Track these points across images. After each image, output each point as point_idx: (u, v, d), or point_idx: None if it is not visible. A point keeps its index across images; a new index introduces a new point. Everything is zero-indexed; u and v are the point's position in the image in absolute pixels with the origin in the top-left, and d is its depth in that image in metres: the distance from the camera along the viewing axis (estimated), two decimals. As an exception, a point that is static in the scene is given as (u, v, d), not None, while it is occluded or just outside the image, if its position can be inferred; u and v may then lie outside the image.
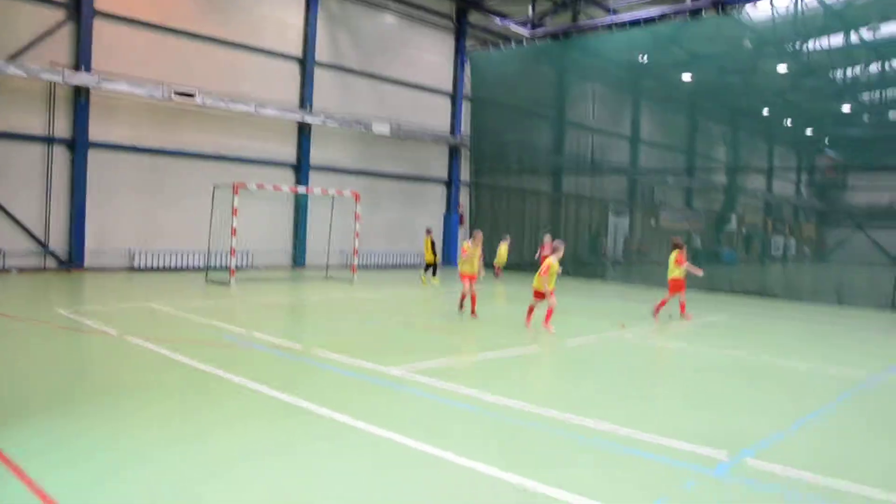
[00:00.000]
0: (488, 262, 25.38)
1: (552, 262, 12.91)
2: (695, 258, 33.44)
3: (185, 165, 22.47)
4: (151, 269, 21.55)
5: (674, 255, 15.73)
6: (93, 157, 20.40)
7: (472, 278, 14.40)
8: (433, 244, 22.20)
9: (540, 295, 13.02)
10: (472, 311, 14.45)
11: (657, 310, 15.54)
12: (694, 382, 9.87)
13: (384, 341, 11.68)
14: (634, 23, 26.01)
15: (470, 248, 14.74)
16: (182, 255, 22.36)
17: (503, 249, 25.48)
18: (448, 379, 8.85)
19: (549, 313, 12.88)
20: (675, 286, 15.72)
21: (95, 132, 20.44)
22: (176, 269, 22.05)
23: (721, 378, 10.09)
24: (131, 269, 21.25)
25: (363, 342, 11.32)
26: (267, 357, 10.05)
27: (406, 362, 9.67)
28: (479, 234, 15.31)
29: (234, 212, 18.44)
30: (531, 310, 13.34)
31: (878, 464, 6.47)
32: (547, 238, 24.08)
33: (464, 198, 31.83)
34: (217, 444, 6.12)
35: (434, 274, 22.26)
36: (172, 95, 21.19)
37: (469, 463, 5.86)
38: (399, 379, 8.81)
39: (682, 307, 15.94)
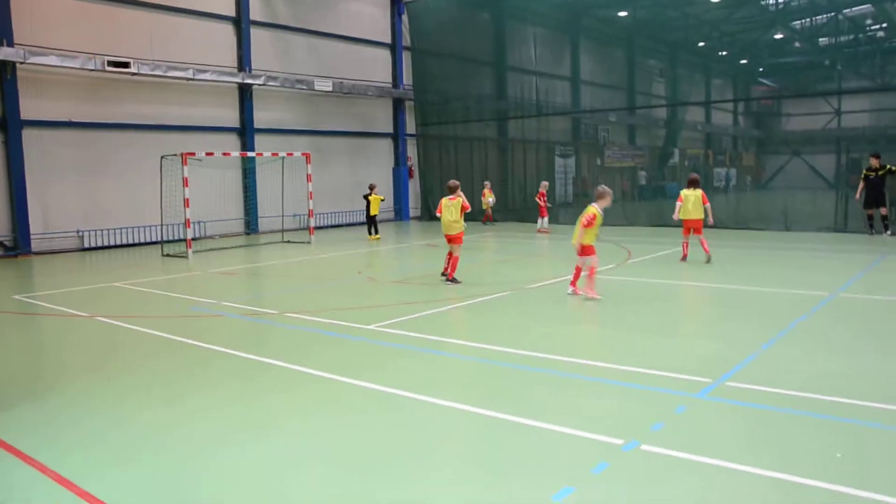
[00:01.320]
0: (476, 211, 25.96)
1: (597, 210, 11.05)
2: (641, 193, 33.94)
3: (126, 138, 21.81)
4: (104, 248, 21.04)
5: (699, 193, 14.57)
6: (28, 136, 19.62)
7: (451, 239, 12.80)
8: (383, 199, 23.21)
9: (586, 250, 11.04)
10: (445, 270, 12.99)
11: (684, 251, 15.11)
12: (663, 314, 10.21)
13: (354, 299, 11.74)
14: (570, -38, 25.89)
15: (446, 203, 12.74)
16: (133, 231, 21.86)
17: (488, 194, 26.72)
18: (421, 330, 9.00)
19: (592, 273, 11.03)
20: (697, 226, 14.72)
21: (27, 110, 19.62)
22: (129, 246, 21.58)
23: (688, 307, 10.48)
24: (83, 250, 20.71)
25: (333, 302, 11.37)
26: (243, 324, 10.04)
27: (380, 318, 9.79)
28: (452, 183, 13.01)
29: (185, 182, 18.07)
30: (579, 271, 11.28)
31: (843, 374, 6.85)
32: (544, 185, 24.05)
33: (411, 150, 31.68)
34: (225, 416, 6.17)
35: (377, 231, 22.72)
36: (106, 66, 20.44)
37: (459, 405, 6.04)
38: (375, 333, 8.93)
39: (704, 244, 14.75)
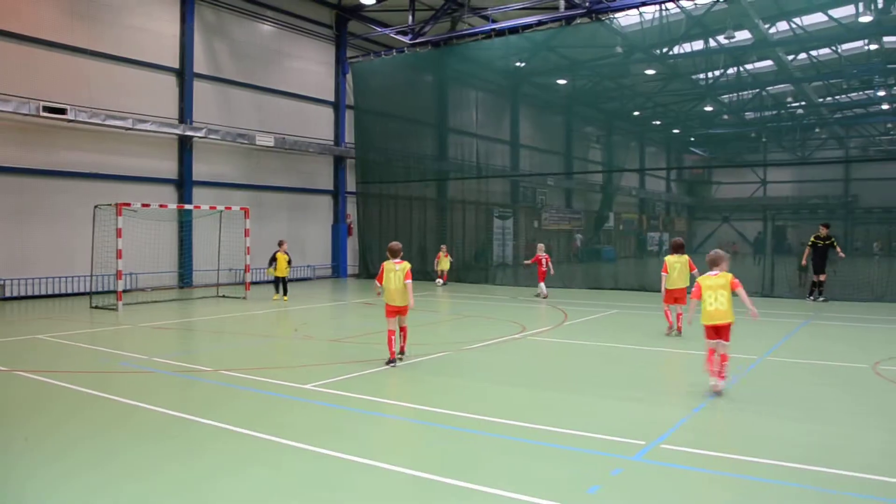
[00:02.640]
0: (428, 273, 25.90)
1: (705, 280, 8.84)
2: (578, 256, 34.58)
3: (58, 186, 21.25)
4: (27, 298, 20.24)
5: (685, 259, 13.38)
6: (-48, 180, 18.99)
7: (397, 311, 10.51)
8: (289, 258, 20.79)
9: (719, 331, 8.62)
10: (401, 349, 10.86)
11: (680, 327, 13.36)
12: (597, 375, 10.32)
13: (290, 357, 11.53)
14: (512, 30, 26.76)
15: (389, 267, 10.49)
16: (61, 282, 21.13)
17: (444, 257, 26.74)
18: (358, 390, 8.88)
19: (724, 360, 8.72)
20: (681, 295, 13.19)
21: (-46, 153, 19.05)
22: (54, 296, 20.82)
23: (622, 369, 10.61)
24: (3, 299, 19.86)
25: (269, 359, 11.14)
26: (173, 381, 9.72)
27: (316, 376, 9.63)
28: (395, 246, 10.80)
29: (118, 233, 17.63)
30: (712, 354, 8.74)
31: (774, 437, 7.01)
32: (541, 247, 21.69)
33: (351, 208, 31.70)
34: (153, 479, 5.91)
35: (286, 291, 20.60)
36: (41, 112, 20.01)
37: (396, 468, 5.94)
38: (311, 392, 8.76)
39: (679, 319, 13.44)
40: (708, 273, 8.88)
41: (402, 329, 10.78)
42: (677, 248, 13.55)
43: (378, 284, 10.57)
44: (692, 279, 11.58)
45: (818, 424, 7.52)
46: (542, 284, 21.16)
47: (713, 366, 8.65)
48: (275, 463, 6.26)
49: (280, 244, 20.87)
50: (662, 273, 13.33)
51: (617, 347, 12.69)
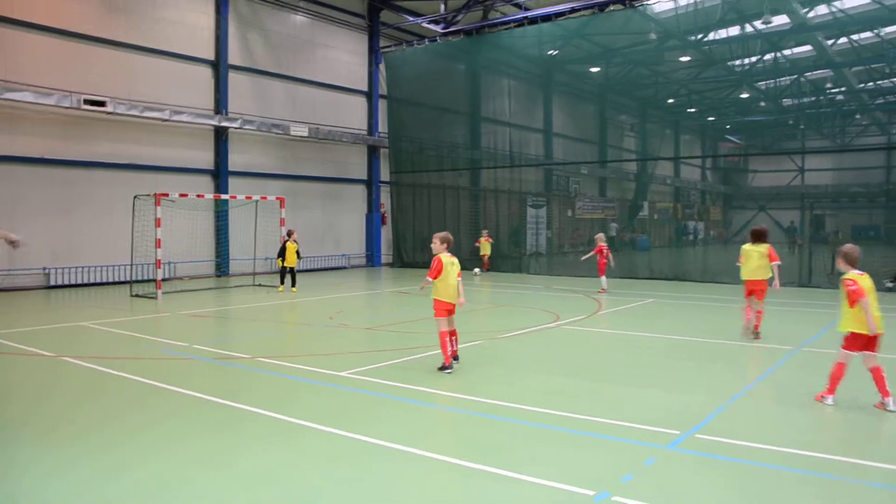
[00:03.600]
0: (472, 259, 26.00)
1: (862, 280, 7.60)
2: (612, 246, 34.64)
3: (99, 177, 21.72)
4: (70, 286, 20.75)
5: (764, 249, 11.65)
6: (-1, 172, 19.50)
7: (452, 310, 9.44)
8: (298, 248, 20.06)
9: (868, 341, 7.54)
10: (454, 353, 9.55)
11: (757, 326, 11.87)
12: (633, 366, 10.32)
13: (326, 344, 11.70)
14: (545, 18, 26.61)
15: (448, 262, 9.27)
16: (102, 271, 21.62)
17: (485, 242, 26.77)
18: (393, 378, 8.99)
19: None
20: (759, 290, 11.73)
21: (0, 145, 19.52)
22: (96, 285, 21.31)
23: (658, 359, 10.59)
24: (48, 287, 20.40)
25: (305, 347, 11.32)
26: (214, 368, 9.94)
27: (351, 364, 9.77)
28: (450, 237, 9.56)
29: (157, 223, 17.99)
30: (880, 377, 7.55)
31: (810, 429, 6.99)
32: (601, 237, 19.93)
33: (385, 197, 31.88)
34: (193, 464, 6.09)
35: (294, 282, 19.99)
36: (82, 104, 20.43)
37: (434, 455, 6.04)
38: (346, 380, 8.90)
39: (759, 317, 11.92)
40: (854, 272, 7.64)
41: (454, 331, 9.56)
42: (757, 237, 11.89)
43: (430, 280, 9.23)
44: (773, 271, 11.51)
45: (859, 414, 7.46)
46: (603, 278, 19.48)
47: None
48: (305, 446, 6.40)
49: (289, 234, 20.17)
50: (738, 263, 11.97)
51: (652, 337, 12.66)
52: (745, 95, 42.15)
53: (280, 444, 6.52)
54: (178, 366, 10.05)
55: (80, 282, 21.08)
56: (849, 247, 7.86)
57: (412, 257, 30.86)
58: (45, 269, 20.47)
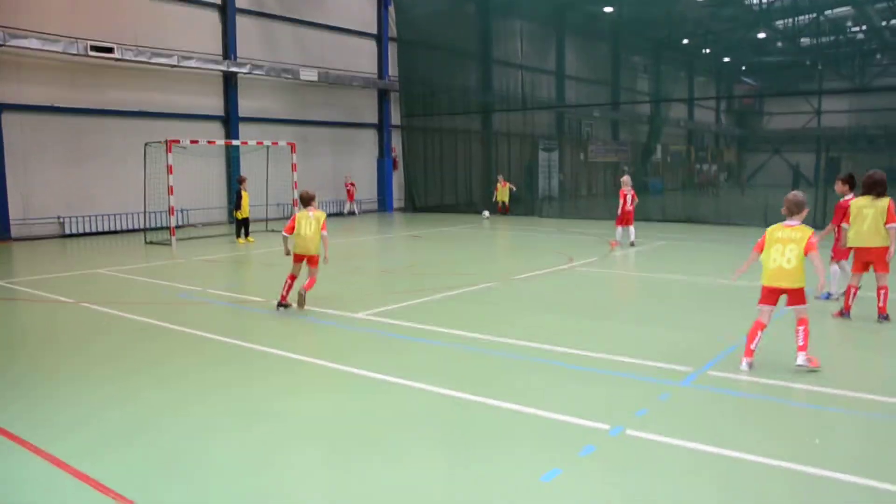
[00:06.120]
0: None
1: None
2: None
3: (110, 125, 21.64)
4: (85, 235, 20.89)
5: (883, 205, 8.61)
6: (8, 120, 19.42)
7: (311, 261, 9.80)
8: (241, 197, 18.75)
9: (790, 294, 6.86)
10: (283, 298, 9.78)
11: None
12: (647, 306, 10.37)
13: (340, 287, 11.77)
14: (558, -43, 25.95)
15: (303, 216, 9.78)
16: (116, 218, 21.72)
17: (502, 188, 26.61)
18: (408, 318, 9.08)
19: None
20: (876, 259, 8.70)
21: (7, 93, 19.42)
22: (111, 233, 21.44)
23: (672, 299, 10.62)
24: (63, 236, 20.54)
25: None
26: (229, 311, 10.06)
27: (366, 306, 9.85)
28: (309, 195, 9.98)
29: (169, 170, 17.98)
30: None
31: (823, 364, 7.02)
32: (626, 179, 17.45)
33: (396, 141, 31.68)
34: (214, 400, 6.21)
35: (247, 233, 19.00)
36: (89, 51, 20.24)
37: (447, 391, 6.13)
38: (362, 321, 9.00)
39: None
40: (781, 223, 7.05)
41: (311, 279, 9.80)
42: (872, 187, 8.75)
43: (285, 235, 10.00)
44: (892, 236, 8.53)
45: (875, 354, 7.49)
46: (628, 229, 16.71)
47: (754, 341, 6.83)
48: (318, 384, 6.52)
49: (240, 181, 19.13)
50: (843, 225, 9.18)
51: (665, 278, 12.67)
52: (761, 35, 41.22)
53: (290, 379, 6.63)
54: (194, 309, 10.17)
55: (94, 230, 21.20)
56: (790, 195, 7.10)
57: (424, 202, 30.81)
58: (59, 217, 20.58)
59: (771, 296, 6.96)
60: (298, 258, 9.79)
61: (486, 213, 25.61)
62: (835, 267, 9.97)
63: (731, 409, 5.83)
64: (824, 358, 6.86)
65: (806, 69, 48.34)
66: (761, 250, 7.06)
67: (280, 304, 9.73)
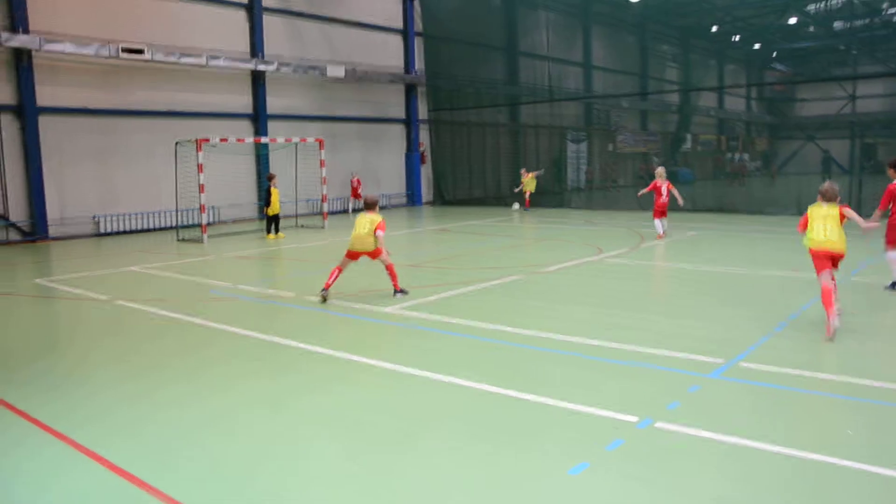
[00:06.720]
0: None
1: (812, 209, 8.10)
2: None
3: (140, 124, 21.96)
4: (118, 234, 21.24)
5: None
6: (44, 123, 19.80)
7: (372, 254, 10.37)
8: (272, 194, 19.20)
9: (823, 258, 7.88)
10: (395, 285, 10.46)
11: None
12: (676, 297, 10.29)
13: (369, 282, 11.84)
14: (583, -53, 25.78)
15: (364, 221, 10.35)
16: (148, 217, 22.05)
17: (528, 179, 26.12)
18: (437, 312, 9.11)
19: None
20: None
21: (43, 97, 19.79)
22: (143, 231, 21.77)
23: (703, 290, 10.53)
24: (98, 235, 20.92)
25: (349, 285, 11.47)
26: (260, 307, 10.18)
27: (395, 300, 9.92)
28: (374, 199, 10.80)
29: (199, 168, 18.21)
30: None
31: (854, 356, 6.93)
32: (661, 171, 17.19)
33: (423, 136, 31.72)
34: (241, 392, 6.31)
35: (277, 229, 19.40)
36: (120, 53, 20.54)
37: (477, 385, 6.15)
38: (392, 315, 9.06)
39: None
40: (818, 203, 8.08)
41: (387, 266, 10.39)
42: None
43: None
44: None
45: (905, 342, 7.38)
46: (661, 221, 16.61)
47: (832, 304, 7.50)
48: (346, 377, 6.58)
49: (269, 178, 19.77)
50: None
51: (695, 269, 12.56)
52: (792, 21, 40.50)
53: (318, 373, 6.71)
54: (225, 306, 10.31)
55: (128, 228, 21.55)
56: (826, 185, 8.19)
57: (453, 195, 30.85)
58: (94, 216, 20.96)
59: (824, 261, 7.86)
60: (352, 255, 10.47)
61: (517, 205, 25.41)
62: (892, 254, 10.09)
63: (761, 402, 5.78)
64: (869, 349, 6.76)
65: (839, 54, 47.42)
66: (804, 229, 8.12)
67: (324, 290, 10.20)
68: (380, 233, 10.20)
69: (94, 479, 4.64)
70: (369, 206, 10.68)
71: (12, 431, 5.46)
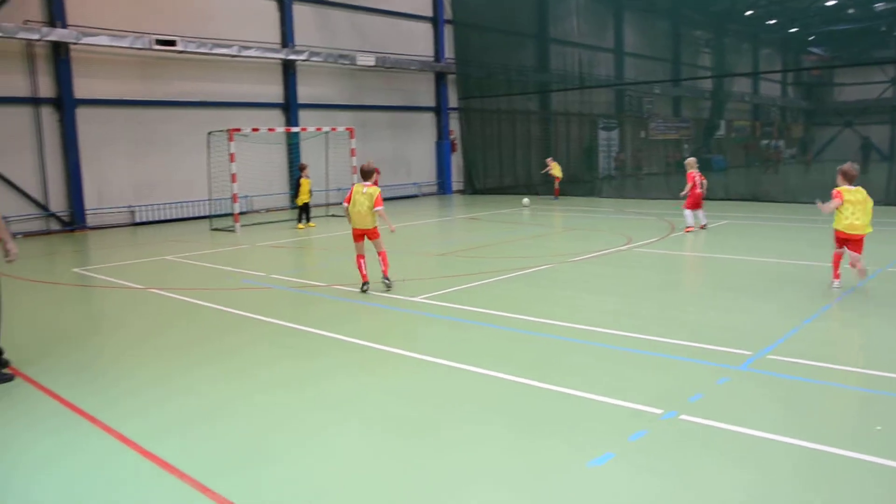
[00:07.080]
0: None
1: (848, 193, 9.15)
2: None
3: (173, 115, 22.29)
4: (154, 223, 21.62)
5: None
6: (81, 114, 20.19)
7: (370, 234, 10.24)
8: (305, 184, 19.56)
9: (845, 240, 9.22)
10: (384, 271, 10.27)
11: None
12: (705, 287, 10.23)
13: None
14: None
15: (358, 190, 10.15)
16: (182, 206, 22.41)
17: (555, 167, 26.01)
18: (466, 302, 9.17)
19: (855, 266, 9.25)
20: None
21: (80, 89, 20.19)
22: (177, 220, 22.14)
23: (734, 281, 10.44)
24: (133, 224, 21.32)
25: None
26: (292, 296, 10.33)
27: (423, 290, 9.99)
28: (370, 167, 10.32)
29: (231, 158, 18.46)
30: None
31: (888, 349, 6.84)
32: (692, 161, 16.56)
33: (454, 124, 31.71)
34: (265, 378, 6.44)
35: (308, 218, 19.70)
36: (153, 45, 20.84)
37: (501, 375, 6.21)
38: (420, 304, 9.14)
39: None
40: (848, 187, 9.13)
41: (380, 252, 10.27)
42: None
43: (344, 205, 10.32)
44: None
45: (938, 334, 7.27)
46: (697, 213, 16.06)
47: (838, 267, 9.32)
48: (375, 367, 6.67)
49: (301, 168, 20.16)
50: None
51: (726, 259, 12.46)
52: (830, 2, 39.57)
53: (347, 362, 6.81)
54: (257, 295, 10.48)
55: (162, 218, 21.93)
56: (847, 165, 9.29)
57: (483, 183, 30.83)
58: (130, 206, 21.35)
59: (846, 243, 9.12)
60: (357, 235, 10.21)
61: (526, 200, 24.45)
62: None
63: (789, 394, 5.75)
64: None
65: (880, 36, 46.11)
66: (841, 202, 9.06)
67: (364, 284, 10.10)
68: (379, 208, 9.94)
69: (113, 456, 4.79)
70: (365, 175, 10.13)
71: (39, 410, 5.65)
